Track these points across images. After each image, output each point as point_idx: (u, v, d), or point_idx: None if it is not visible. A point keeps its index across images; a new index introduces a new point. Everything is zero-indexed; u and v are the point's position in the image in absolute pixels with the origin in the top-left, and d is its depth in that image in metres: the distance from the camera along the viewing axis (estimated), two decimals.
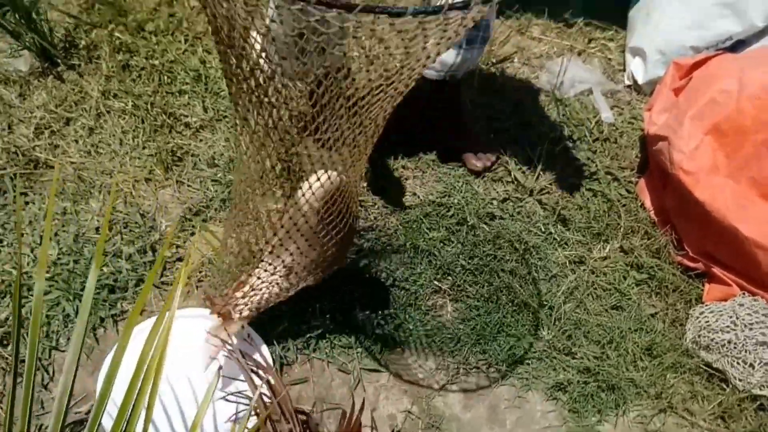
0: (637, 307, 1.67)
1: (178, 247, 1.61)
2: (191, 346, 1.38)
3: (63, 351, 1.44)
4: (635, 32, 2.24)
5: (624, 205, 1.87)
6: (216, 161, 1.78)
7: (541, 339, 1.59)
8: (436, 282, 1.66)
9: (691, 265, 1.72)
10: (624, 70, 2.31)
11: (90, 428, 0.79)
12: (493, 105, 2.09)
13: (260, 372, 1.20)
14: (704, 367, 1.57)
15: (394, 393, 1.49)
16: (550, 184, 1.91)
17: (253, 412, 1.16)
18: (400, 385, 1.50)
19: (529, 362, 1.56)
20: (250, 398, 1.17)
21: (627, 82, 2.27)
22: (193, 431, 0.75)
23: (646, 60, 2.16)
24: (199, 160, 1.78)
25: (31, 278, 1.50)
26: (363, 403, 1.18)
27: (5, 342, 1.42)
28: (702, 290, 1.70)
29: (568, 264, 1.74)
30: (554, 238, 1.79)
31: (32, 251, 1.54)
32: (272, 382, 1.14)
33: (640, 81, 2.19)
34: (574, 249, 1.77)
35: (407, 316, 1.59)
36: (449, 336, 1.58)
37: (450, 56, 1.62)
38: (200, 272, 1.58)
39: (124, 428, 0.80)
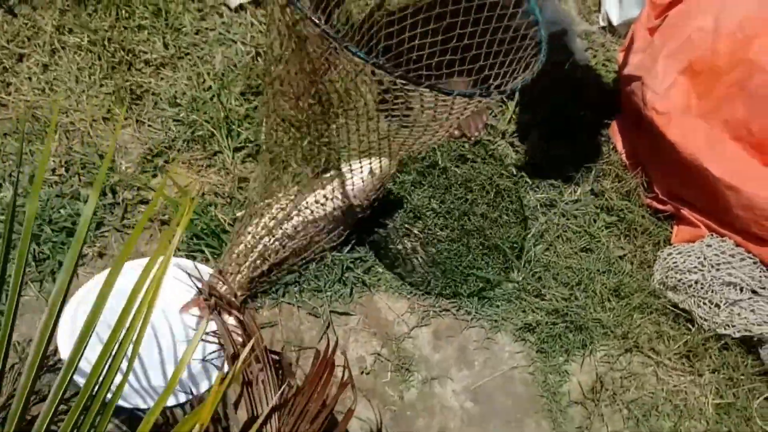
0: (606, 249, 1.67)
1: (139, 189, 1.55)
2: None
3: (23, 296, 1.39)
4: None
5: (595, 147, 1.85)
6: (178, 100, 1.71)
7: (511, 281, 1.59)
8: (406, 226, 1.64)
9: (661, 207, 1.73)
10: (599, 11, 2.26)
11: (69, 365, 0.76)
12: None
13: (233, 312, 1.18)
14: (671, 307, 1.59)
15: (364, 336, 1.48)
16: (524, 128, 1.88)
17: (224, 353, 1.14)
18: (370, 328, 1.49)
19: (499, 304, 1.56)
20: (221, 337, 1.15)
21: (602, 23, 2.23)
22: (174, 378, 0.72)
23: (622, 0, 2.12)
24: (160, 99, 1.71)
25: None
26: (336, 343, 1.16)
27: None
28: (671, 232, 1.71)
29: (539, 207, 1.73)
30: (525, 181, 1.77)
31: None
32: (244, 320, 1.12)
33: (615, 22, 2.15)
34: (545, 192, 1.76)
35: (377, 260, 1.57)
36: (419, 279, 1.57)
37: None
38: (163, 215, 1.53)
39: (108, 363, 0.76)
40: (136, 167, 1.58)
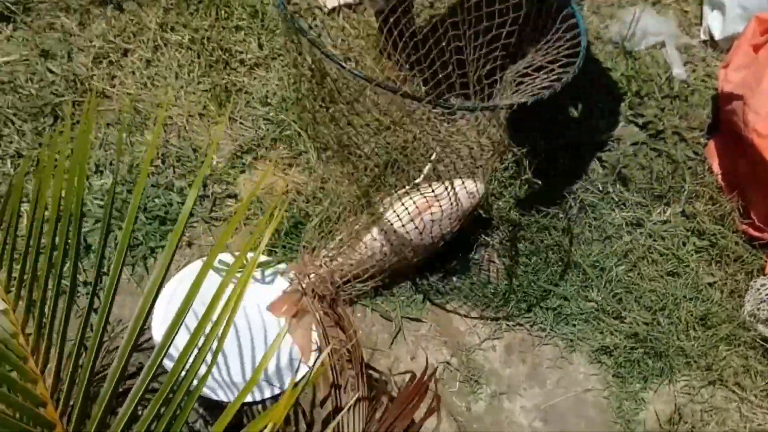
0: (694, 274, 1.60)
1: (228, 183, 1.61)
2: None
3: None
4: None
5: (690, 168, 1.77)
6: (269, 100, 1.76)
7: (590, 300, 1.55)
8: (484, 236, 1.62)
9: (756, 234, 1.63)
10: (700, 24, 2.16)
11: (160, 349, 0.79)
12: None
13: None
14: (760, 341, 1.50)
15: (434, 344, 1.48)
16: (612, 141, 1.82)
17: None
18: (440, 336, 1.49)
19: (576, 323, 1.52)
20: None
21: (703, 37, 2.13)
22: (255, 375, 0.74)
23: (725, 14, 2.02)
24: (253, 98, 1.77)
25: (85, 205, 1.53)
26: (435, 371, 1.15)
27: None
28: (765, 261, 1.62)
29: (624, 225, 1.67)
30: (612, 198, 1.72)
31: (87, 179, 1.57)
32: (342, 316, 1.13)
33: (717, 36, 2.05)
34: (632, 210, 1.70)
35: (453, 267, 1.57)
36: (494, 291, 1.55)
37: None
38: (249, 210, 1.58)
39: (195, 353, 0.79)
40: (227, 162, 1.64)
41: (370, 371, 1.07)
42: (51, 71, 1.73)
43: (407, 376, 1.08)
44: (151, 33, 1.85)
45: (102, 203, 1.53)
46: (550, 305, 1.53)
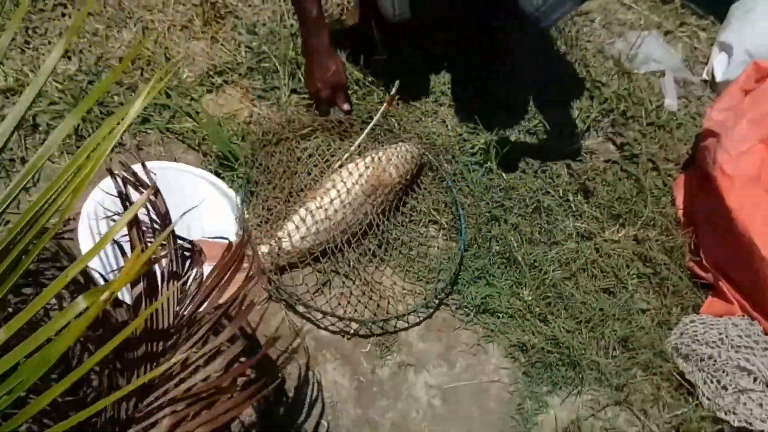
0: (629, 297, 1.59)
1: (192, 99, 1.59)
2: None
3: (54, 162, 1.45)
4: (729, 27, 2.07)
5: (654, 195, 1.76)
6: (257, 29, 1.73)
7: (520, 298, 1.54)
8: (434, 212, 1.61)
9: (701, 273, 1.63)
10: (707, 63, 2.14)
11: None
12: (552, 57, 1.98)
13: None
14: (676, 375, 1.50)
15: (359, 301, 1.46)
16: (586, 152, 1.81)
17: None
18: (366, 298, 1.47)
19: (500, 316, 1.51)
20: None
21: (705, 77, 2.11)
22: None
23: (731, 58, 2.00)
24: (241, 23, 1.74)
25: (46, 85, 1.50)
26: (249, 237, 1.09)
27: None
28: (703, 301, 1.61)
29: (574, 235, 1.66)
30: (570, 206, 1.70)
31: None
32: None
33: (718, 78, 2.04)
34: (586, 223, 1.69)
35: (396, 234, 1.55)
36: (430, 267, 1.54)
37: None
38: (204, 133, 1.55)
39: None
40: (196, 78, 1.61)
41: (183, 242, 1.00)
42: None
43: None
44: None
45: (61, 87, 1.50)
46: (479, 293, 1.52)
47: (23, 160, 1.42)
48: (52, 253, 1.34)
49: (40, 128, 1.46)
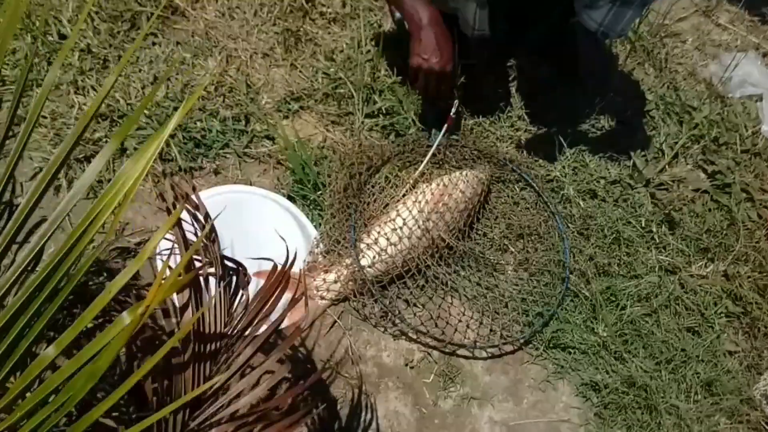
0: (716, 338, 1.49)
1: (269, 125, 1.63)
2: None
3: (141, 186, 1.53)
4: None
5: (747, 229, 1.65)
6: (334, 56, 1.76)
7: (595, 333, 1.47)
8: (506, 241, 1.57)
9: None
10: None
11: None
12: (640, 79, 1.90)
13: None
14: (764, 424, 1.38)
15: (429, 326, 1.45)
16: (672, 180, 1.72)
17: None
18: (431, 324, 1.45)
19: (572, 351, 1.45)
20: None
21: None
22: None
23: None
24: (320, 50, 1.78)
25: (133, 109, 1.59)
26: (295, 257, 1.10)
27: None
28: None
29: (657, 269, 1.57)
30: (653, 238, 1.62)
31: (143, 88, 1.63)
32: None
33: None
34: (670, 256, 1.59)
35: (466, 263, 1.52)
36: (499, 297, 1.50)
37: (600, 13, 1.48)
38: (282, 155, 1.59)
39: None
40: (274, 104, 1.66)
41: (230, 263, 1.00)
42: None
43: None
44: None
45: (148, 113, 1.58)
46: (550, 327, 1.46)
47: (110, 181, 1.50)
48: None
49: (128, 152, 1.54)
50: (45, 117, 1.56)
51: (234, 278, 0.94)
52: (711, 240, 1.61)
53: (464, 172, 1.54)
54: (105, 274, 1.40)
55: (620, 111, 1.82)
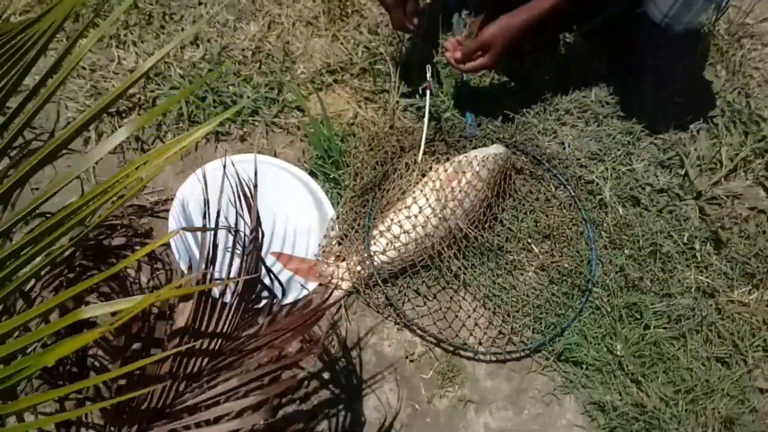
0: (747, 372, 1.37)
1: (301, 96, 1.60)
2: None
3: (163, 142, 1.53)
4: None
5: None
6: (379, 30, 1.70)
7: (611, 350, 1.38)
8: (529, 240, 1.49)
9: None
10: None
11: None
12: (708, 81, 1.74)
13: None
14: None
15: (431, 325, 1.39)
16: (727, 195, 1.57)
17: None
18: (438, 319, 1.40)
19: (583, 366, 1.36)
20: None
21: None
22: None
23: None
24: (365, 23, 1.72)
25: (169, 68, 1.59)
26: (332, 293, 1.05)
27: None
28: None
29: (693, 290, 1.45)
30: (694, 256, 1.49)
31: (182, 48, 1.62)
32: None
33: None
34: (711, 277, 1.47)
35: (483, 260, 1.45)
36: (514, 299, 1.42)
37: (667, 3, 1.37)
38: (310, 128, 1.55)
39: None
40: (309, 75, 1.62)
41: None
42: None
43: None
44: None
45: (182, 72, 1.58)
46: (564, 338, 1.38)
47: (138, 139, 1.51)
48: (145, 230, 1.42)
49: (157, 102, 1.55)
50: (84, 68, 1.58)
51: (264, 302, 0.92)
52: (759, 265, 1.47)
53: (478, 153, 1.45)
54: (122, 230, 1.43)
55: (680, 113, 1.68)
